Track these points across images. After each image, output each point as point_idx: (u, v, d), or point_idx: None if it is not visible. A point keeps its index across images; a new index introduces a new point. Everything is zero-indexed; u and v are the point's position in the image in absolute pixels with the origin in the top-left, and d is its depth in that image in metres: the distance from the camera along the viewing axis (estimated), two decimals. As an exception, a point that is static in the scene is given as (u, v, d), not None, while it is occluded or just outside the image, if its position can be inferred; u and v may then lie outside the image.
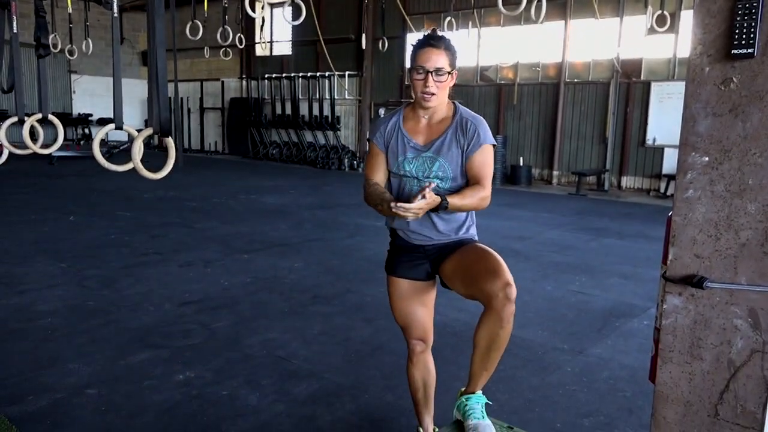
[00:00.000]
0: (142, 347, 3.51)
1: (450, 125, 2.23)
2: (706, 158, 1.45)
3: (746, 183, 1.40)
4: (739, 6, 1.35)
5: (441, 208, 2.11)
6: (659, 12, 8.46)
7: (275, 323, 4.00)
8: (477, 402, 2.23)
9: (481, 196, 2.19)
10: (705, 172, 1.45)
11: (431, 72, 2.12)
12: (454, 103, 2.29)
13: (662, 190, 11.61)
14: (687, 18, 11.13)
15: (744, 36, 1.35)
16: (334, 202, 9.77)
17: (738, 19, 1.36)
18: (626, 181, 12.37)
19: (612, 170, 12.44)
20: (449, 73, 2.16)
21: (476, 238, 2.39)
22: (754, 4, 1.33)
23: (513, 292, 1.98)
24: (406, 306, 2.37)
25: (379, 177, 2.34)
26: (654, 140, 11.90)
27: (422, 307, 2.39)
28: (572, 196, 11.50)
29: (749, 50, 1.36)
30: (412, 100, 2.30)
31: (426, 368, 2.45)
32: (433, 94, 2.15)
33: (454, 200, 2.14)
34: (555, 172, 13.16)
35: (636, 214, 9.34)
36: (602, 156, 12.55)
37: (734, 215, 1.43)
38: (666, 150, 11.70)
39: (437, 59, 2.13)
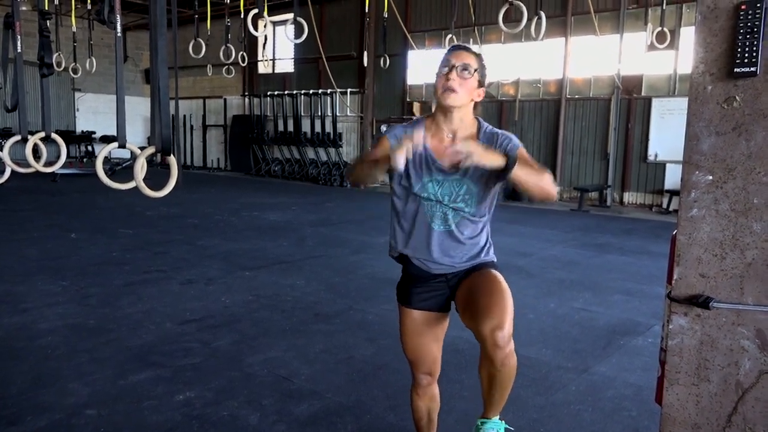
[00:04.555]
0: (143, 366, 3.48)
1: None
2: (710, 177, 1.44)
3: (751, 202, 1.39)
4: (741, 24, 1.35)
5: (506, 169, 1.91)
6: (659, 29, 8.51)
7: (277, 342, 3.97)
8: (492, 428, 2.19)
9: (549, 176, 2.04)
10: (709, 191, 1.44)
11: (456, 66, 2.02)
12: (478, 119, 2.19)
13: (665, 206, 11.59)
14: (687, 35, 11.19)
15: (746, 54, 1.35)
16: (336, 219, 9.76)
17: (740, 37, 1.36)
18: (628, 197, 12.35)
19: (614, 186, 12.43)
20: (475, 71, 2.05)
21: (494, 259, 2.25)
22: (756, 23, 1.33)
23: (502, 337, 1.82)
24: (418, 341, 2.23)
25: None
26: (656, 156, 11.90)
27: (435, 342, 2.26)
28: (574, 212, 11.48)
29: (752, 68, 1.35)
30: (432, 112, 2.19)
31: (432, 399, 2.36)
32: (453, 90, 2.02)
33: (519, 171, 1.93)
34: (557, 188, 13.14)
35: (638, 230, 9.31)
36: (604, 171, 12.55)
37: (740, 234, 1.41)
38: (668, 165, 11.70)
39: (466, 58, 2.04)
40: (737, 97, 1.38)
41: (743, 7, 1.33)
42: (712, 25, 1.40)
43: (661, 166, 11.87)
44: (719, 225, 1.43)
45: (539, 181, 2.02)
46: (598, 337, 4.21)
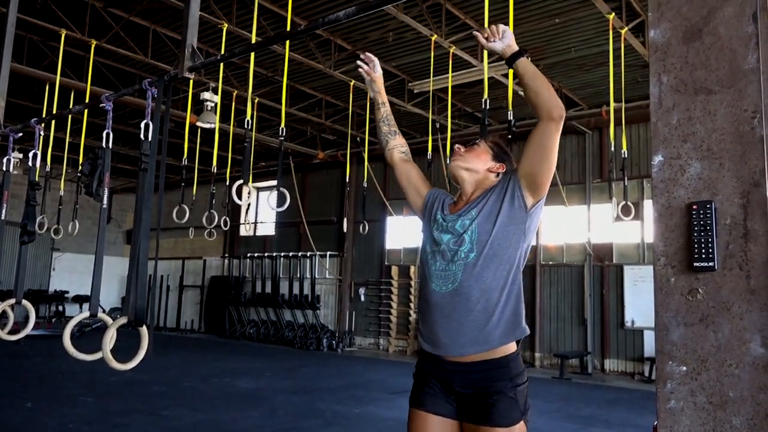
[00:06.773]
0: None
1: (489, 190, 2.04)
2: (684, 368, 1.43)
3: (727, 395, 1.38)
4: (695, 223, 1.44)
5: (514, 57, 1.87)
6: (623, 202, 9.02)
7: None
8: None
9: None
10: (684, 382, 1.43)
11: (463, 142, 2.13)
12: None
13: (646, 374, 11.41)
14: (650, 207, 11.83)
15: (703, 250, 1.42)
16: (310, 386, 9.38)
17: (695, 234, 1.44)
18: (609, 364, 12.19)
19: (594, 352, 12.31)
20: (482, 142, 2.12)
21: (518, 395, 1.87)
22: (708, 222, 1.42)
23: None
24: None
25: (411, 165, 2.30)
26: (632, 322, 11.96)
27: None
28: (556, 379, 11.21)
29: (710, 263, 1.42)
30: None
31: None
32: (459, 154, 2.07)
33: (528, 66, 1.87)
34: (537, 354, 12.97)
35: (622, 400, 9.06)
36: (583, 337, 12.50)
37: (720, 429, 1.38)
38: (645, 332, 11.72)
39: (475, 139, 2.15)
40: (700, 290, 1.43)
41: (694, 207, 1.43)
42: (668, 221, 1.49)
43: (639, 333, 11.88)
44: (699, 418, 1.40)
45: (548, 87, 1.86)
46: None
